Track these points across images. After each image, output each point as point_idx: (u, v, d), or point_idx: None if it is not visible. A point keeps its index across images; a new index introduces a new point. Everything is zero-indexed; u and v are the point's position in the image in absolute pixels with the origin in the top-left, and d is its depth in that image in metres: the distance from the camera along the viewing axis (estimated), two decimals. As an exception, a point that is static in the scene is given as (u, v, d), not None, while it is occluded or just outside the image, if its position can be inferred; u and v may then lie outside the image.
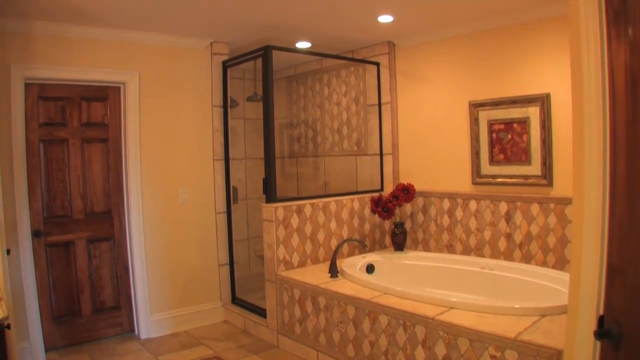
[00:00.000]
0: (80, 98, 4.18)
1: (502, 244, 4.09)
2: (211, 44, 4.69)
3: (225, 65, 4.77)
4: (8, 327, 2.09)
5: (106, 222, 4.34)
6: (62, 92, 4.10)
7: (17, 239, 3.86)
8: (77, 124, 4.17)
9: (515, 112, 3.97)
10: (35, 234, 3.98)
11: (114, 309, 4.37)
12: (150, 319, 4.41)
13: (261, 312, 4.41)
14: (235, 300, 4.88)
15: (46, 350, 4.00)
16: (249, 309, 4.64)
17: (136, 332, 4.43)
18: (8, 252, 3.38)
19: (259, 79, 4.58)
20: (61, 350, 4.11)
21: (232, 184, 4.91)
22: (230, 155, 4.91)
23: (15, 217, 3.84)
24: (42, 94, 4.02)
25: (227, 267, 4.88)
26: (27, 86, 3.92)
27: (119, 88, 4.32)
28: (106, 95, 4.28)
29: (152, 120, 4.42)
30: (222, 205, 4.83)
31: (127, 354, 4.06)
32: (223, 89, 4.82)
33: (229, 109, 4.87)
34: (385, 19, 4.10)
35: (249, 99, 5.26)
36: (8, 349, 2.20)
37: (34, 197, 4.00)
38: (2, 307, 2.12)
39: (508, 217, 4.04)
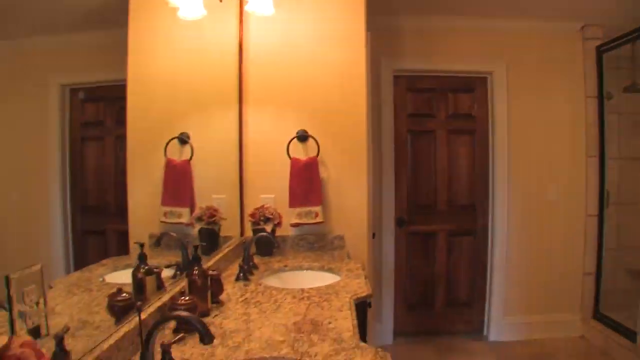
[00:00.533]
0: (446, 89, 4.36)
1: None
2: (582, 27, 4.45)
3: (600, 51, 4.45)
4: (369, 305, 2.28)
5: (469, 216, 4.45)
6: (429, 83, 4.35)
7: (381, 226, 4.25)
8: (444, 116, 4.37)
9: None
10: (399, 222, 4.32)
11: (466, 306, 4.47)
12: (502, 321, 4.38)
13: (628, 334, 3.94)
14: (596, 315, 4.51)
15: (395, 335, 4.33)
16: (613, 328, 4.20)
17: (485, 333, 4.45)
18: (373, 235, 3.73)
19: (638, 66, 4.30)
20: (409, 337, 4.37)
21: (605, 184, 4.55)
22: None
23: (381, 205, 4.25)
24: (410, 86, 4.33)
25: (592, 277, 4.53)
26: (396, 78, 4.28)
27: (485, 78, 4.38)
28: (472, 86, 4.38)
29: (520, 111, 4.36)
30: (593, 208, 4.52)
31: (474, 354, 4.09)
32: (598, 78, 4.52)
33: (605, 100, 4.53)
34: None
35: (626, 90, 4.94)
36: (367, 325, 2.42)
37: (399, 187, 4.32)
38: (367, 285, 2.31)
39: None
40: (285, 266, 2.75)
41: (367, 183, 3.22)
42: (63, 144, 1.35)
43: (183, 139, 2.38)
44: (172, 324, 1.71)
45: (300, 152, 3.16)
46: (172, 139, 2.25)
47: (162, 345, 1.37)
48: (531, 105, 4.44)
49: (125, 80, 1.74)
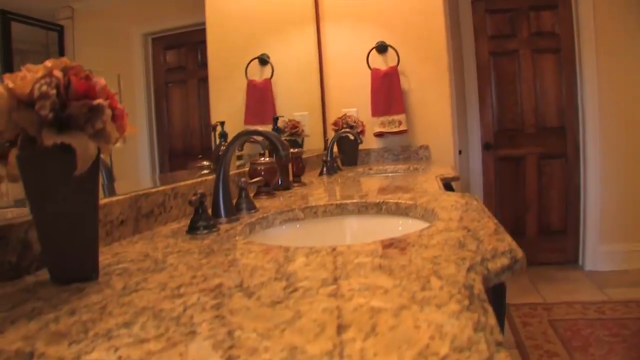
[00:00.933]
0: (528, 7, 4.02)
1: None
2: None
3: None
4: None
5: (558, 138, 4.09)
6: (509, 3, 4.02)
7: (468, 151, 4.03)
8: (527, 35, 4.04)
9: None
10: (486, 146, 4.06)
11: (559, 234, 4.14)
12: (598, 249, 3.99)
13: None
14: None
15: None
16: None
17: (580, 263, 4.09)
18: (460, 152, 3.54)
19: None
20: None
21: None
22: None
23: (466, 129, 4.01)
24: (489, 7, 4.03)
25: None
26: (474, 1, 4.03)
27: (569, -7, 3.92)
28: (555, 3, 4.00)
29: (609, 25, 3.89)
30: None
31: (567, 281, 3.77)
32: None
33: None
34: None
35: None
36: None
37: (484, 110, 4.06)
38: (455, 171, 2.24)
39: None
40: (370, 169, 2.60)
41: (450, 94, 3.01)
42: (148, 91, 1.35)
43: (263, 59, 2.34)
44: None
45: (380, 63, 3.00)
46: (253, 59, 2.22)
47: (240, 183, 1.28)
48: (621, 16, 3.93)
49: (204, 23, 1.72)
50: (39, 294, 0.68)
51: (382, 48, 2.96)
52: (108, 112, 0.71)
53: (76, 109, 0.68)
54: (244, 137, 1.15)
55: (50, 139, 0.65)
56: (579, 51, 3.99)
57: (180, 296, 0.62)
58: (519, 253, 0.75)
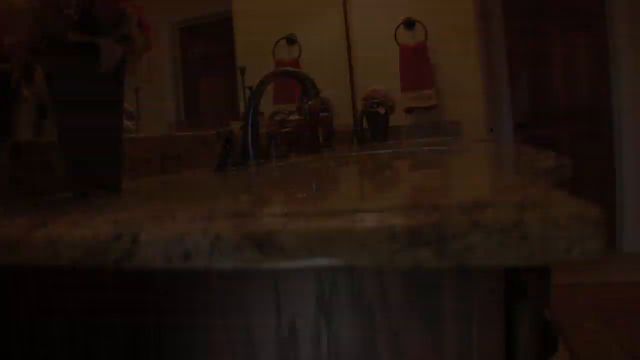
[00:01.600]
0: None
1: None
2: None
3: None
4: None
5: (592, 118, 3.95)
6: None
7: (499, 128, 3.90)
8: (557, 12, 3.92)
9: None
10: (519, 125, 3.96)
11: None
12: (636, 231, 3.86)
13: None
14: None
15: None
16: None
17: (617, 245, 3.94)
18: (491, 130, 3.53)
19: None
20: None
21: None
22: None
23: (497, 106, 3.89)
24: None
25: None
26: None
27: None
28: None
29: None
30: None
31: (605, 263, 3.63)
32: None
33: None
34: None
35: None
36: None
37: (515, 89, 3.95)
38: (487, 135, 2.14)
39: None
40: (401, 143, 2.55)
41: (479, 70, 2.93)
42: (177, 80, 1.34)
43: (291, 39, 2.32)
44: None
45: (408, 39, 2.94)
46: (280, 39, 2.21)
47: (269, 131, 1.25)
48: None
49: (230, 11, 1.71)
50: (57, 203, 0.66)
51: (409, 24, 2.90)
52: (134, 17, 0.68)
53: (102, 11, 0.65)
54: (274, 77, 1.12)
55: (75, 38, 0.62)
56: (612, 27, 3.84)
57: (205, 197, 0.59)
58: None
